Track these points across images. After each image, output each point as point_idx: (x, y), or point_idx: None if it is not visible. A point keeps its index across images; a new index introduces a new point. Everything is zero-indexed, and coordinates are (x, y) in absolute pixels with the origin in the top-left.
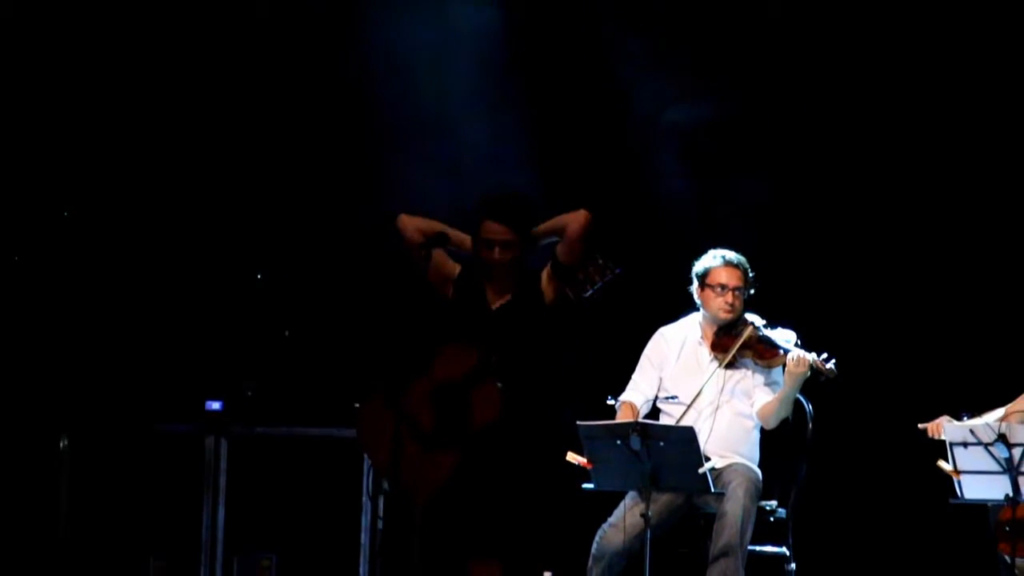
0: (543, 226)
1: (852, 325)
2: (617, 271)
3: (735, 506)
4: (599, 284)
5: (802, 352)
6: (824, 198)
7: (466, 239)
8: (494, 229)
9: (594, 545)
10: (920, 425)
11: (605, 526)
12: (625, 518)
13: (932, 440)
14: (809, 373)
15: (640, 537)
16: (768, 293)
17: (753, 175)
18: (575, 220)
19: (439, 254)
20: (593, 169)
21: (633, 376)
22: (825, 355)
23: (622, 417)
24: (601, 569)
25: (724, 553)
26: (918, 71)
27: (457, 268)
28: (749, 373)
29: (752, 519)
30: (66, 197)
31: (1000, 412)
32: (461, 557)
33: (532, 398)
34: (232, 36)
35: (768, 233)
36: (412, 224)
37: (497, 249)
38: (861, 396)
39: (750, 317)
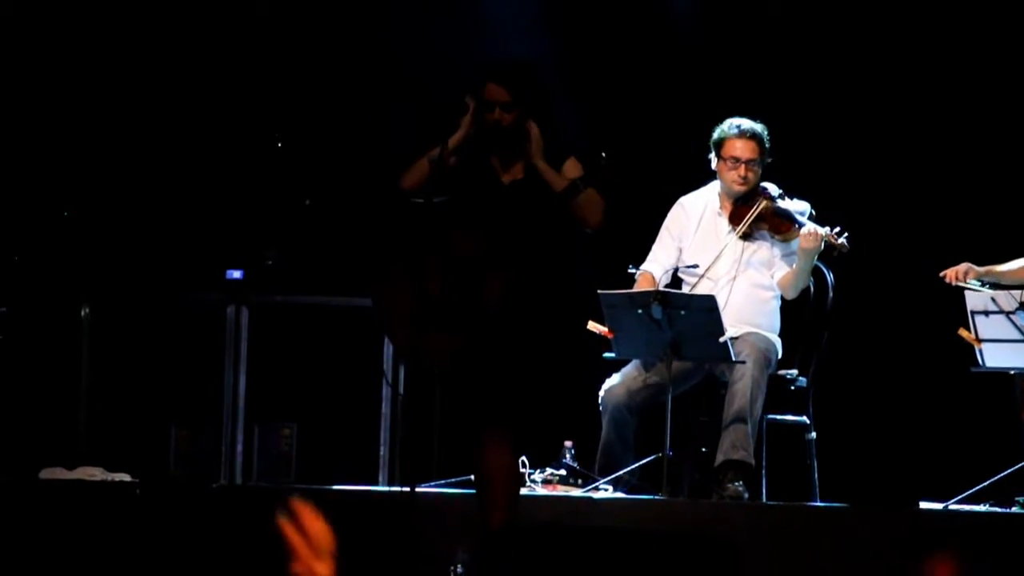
0: (551, 173)
1: (871, 191)
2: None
3: (744, 375)
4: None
5: (814, 227)
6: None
7: (459, 132)
8: (493, 90)
9: (600, 396)
10: (942, 272)
11: (609, 380)
12: (628, 376)
13: (952, 288)
14: (822, 247)
15: (641, 394)
16: (785, 160)
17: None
18: (591, 217)
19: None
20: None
21: (653, 247)
22: (838, 229)
23: (640, 287)
24: (607, 421)
25: (734, 420)
26: None
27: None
28: (767, 244)
29: (762, 388)
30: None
31: (1021, 262)
32: (477, 426)
33: (548, 275)
34: None
35: (786, 99)
36: (412, 178)
37: (497, 109)
38: (882, 264)
39: (768, 187)
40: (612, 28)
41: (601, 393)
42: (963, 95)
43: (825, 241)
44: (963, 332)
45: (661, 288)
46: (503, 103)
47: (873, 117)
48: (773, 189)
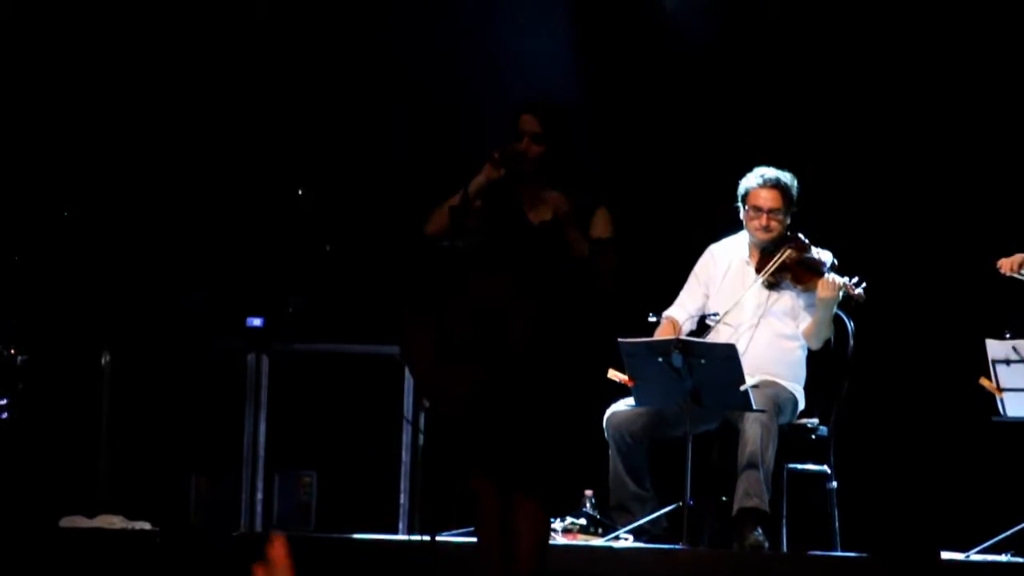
0: (573, 229)
1: (895, 242)
2: None
3: (755, 422)
4: None
5: (832, 276)
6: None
7: (480, 176)
8: (527, 120)
9: (604, 423)
10: (997, 262)
11: (612, 406)
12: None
13: (1004, 280)
14: (840, 297)
15: (643, 419)
16: (809, 208)
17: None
18: (603, 274)
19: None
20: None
21: (681, 292)
22: (856, 279)
23: (662, 333)
24: (612, 448)
25: (746, 468)
26: None
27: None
28: (791, 294)
29: (773, 435)
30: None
31: None
32: (507, 485)
33: (571, 319)
34: None
35: (810, 148)
36: (435, 224)
37: (527, 139)
38: (904, 313)
39: (796, 237)
40: (638, 72)
41: (604, 420)
42: (985, 142)
43: (842, 291)
44: (984, 381)
45: (684, 334)
46: (534, 133)
47: (899, 167)
48: (801, 240)
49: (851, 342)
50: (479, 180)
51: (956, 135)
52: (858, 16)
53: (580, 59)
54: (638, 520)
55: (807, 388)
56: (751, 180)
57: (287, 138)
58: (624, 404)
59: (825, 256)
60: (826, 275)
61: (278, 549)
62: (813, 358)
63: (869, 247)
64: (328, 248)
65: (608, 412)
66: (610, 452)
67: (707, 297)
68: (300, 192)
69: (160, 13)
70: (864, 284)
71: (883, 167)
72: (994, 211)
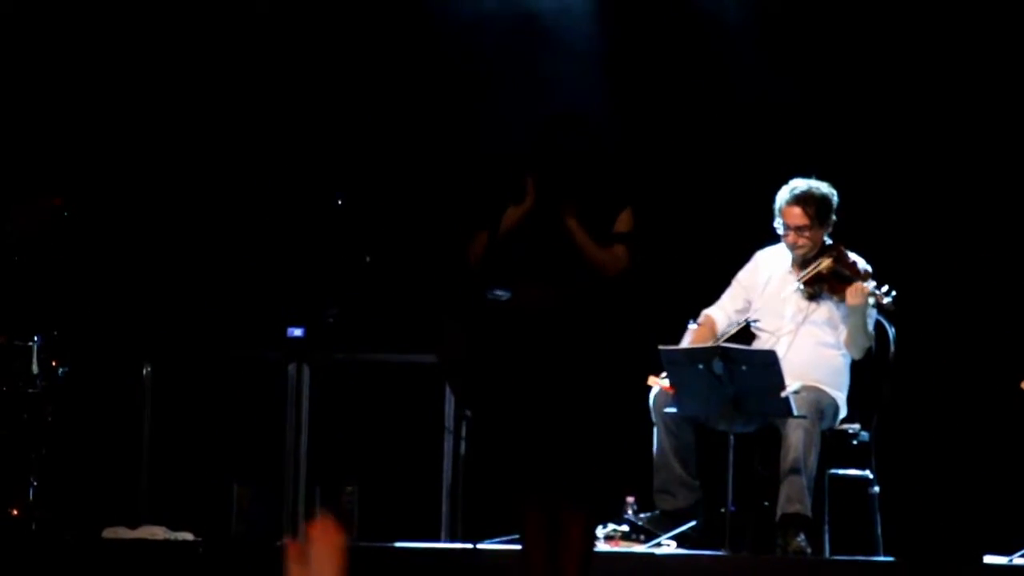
0: (580, 232)
1: (939, 247)
2: None
3: (797, 428)
4: None
5: (860, 283)
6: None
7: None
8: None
9: (650, 404)
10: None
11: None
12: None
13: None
14: (869, 304)
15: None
16: (857, 213)
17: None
18: (612, 266)
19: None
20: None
21: (723, 295)
22: (886, 288)
23: (699, 335)
24: (660, 428)
25: (789, 473)
26: None
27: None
28: (830, 304)
29: (816, 440)
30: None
31: None
32: (554, 499)
33: (611, 328)
34: None
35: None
36: (475, 251)
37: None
38: (946, 318)
39: (835, 247)
40: (679, 74)
41: (651, 401)
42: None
43: (870, 299)
44: None
45: (721, 336)
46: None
47: (947, 170)
48: (840, 250)
49: (892, 348)
50: (513, 214)
51: (1008, 141)
52: (906, 28)
53: (616, 69)
54: (680, 506)
55: (849, 394)
56: (782, 196)
57: (326, 149)
58: (662, 391)
59: (861, 264)
60: (854, 282)
61: (325, 527)
62: (855, 364)
63: (913, 251)
64: (367, 259)
65: (654, 392)
66: (656, 434)
67: (748, 303)
68: (339, 202)
69: (198, 28)
70: (894, 293)
71: (930, 171)
72: None
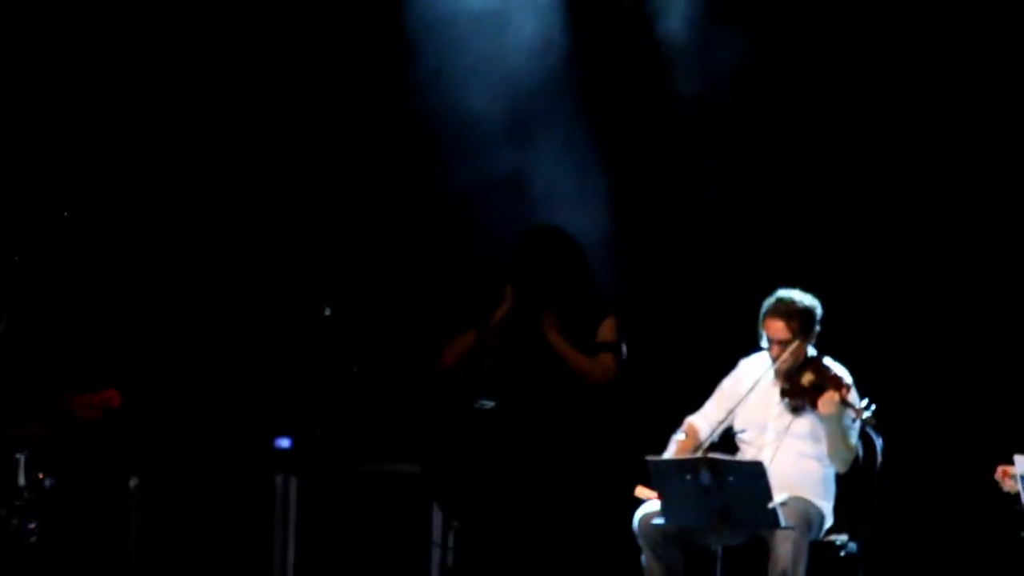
0: (564, 344)
1: (925, 356)
2: None
3: (785, 540)
4: None
5: (832, 392)
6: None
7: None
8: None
9: (634, 526)
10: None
11: (642, 507)
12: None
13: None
14: (841, 414)
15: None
16: (834, 326)
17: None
18: (599, 374)
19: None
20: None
21: (707, 402)
22: (865, 401)
23: (682, 445)
24: (647, 549)
25: None
26: None
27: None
28: (814, 417)
29: (804, 553)
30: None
31: None
32: None
33: (596, 429)
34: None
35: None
36: (452, 356)
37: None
38: (932, 430)
39: (818, 359)
40: (668, 184)
41: (635, 522)
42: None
43: (842, 409)
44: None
45: (704, 443)
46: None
47: (936, 278)
48: (821, 362)
49: (879, 459)
50: (497, 317)
51: (987, 247)
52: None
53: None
54: None
55: (837, 504)
56: (765, 307)
57: (313, 259)
58: (653, 505)
59: (842, 375)
60: (826, 391)
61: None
62: (844, 475)
63: (898, 360)
64: (355, 370)
65: (638, 514)
66: (643, 558)
67: (731, 412)
68: (327, 312)
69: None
70: (874, 406)
71: (917, 279)
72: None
